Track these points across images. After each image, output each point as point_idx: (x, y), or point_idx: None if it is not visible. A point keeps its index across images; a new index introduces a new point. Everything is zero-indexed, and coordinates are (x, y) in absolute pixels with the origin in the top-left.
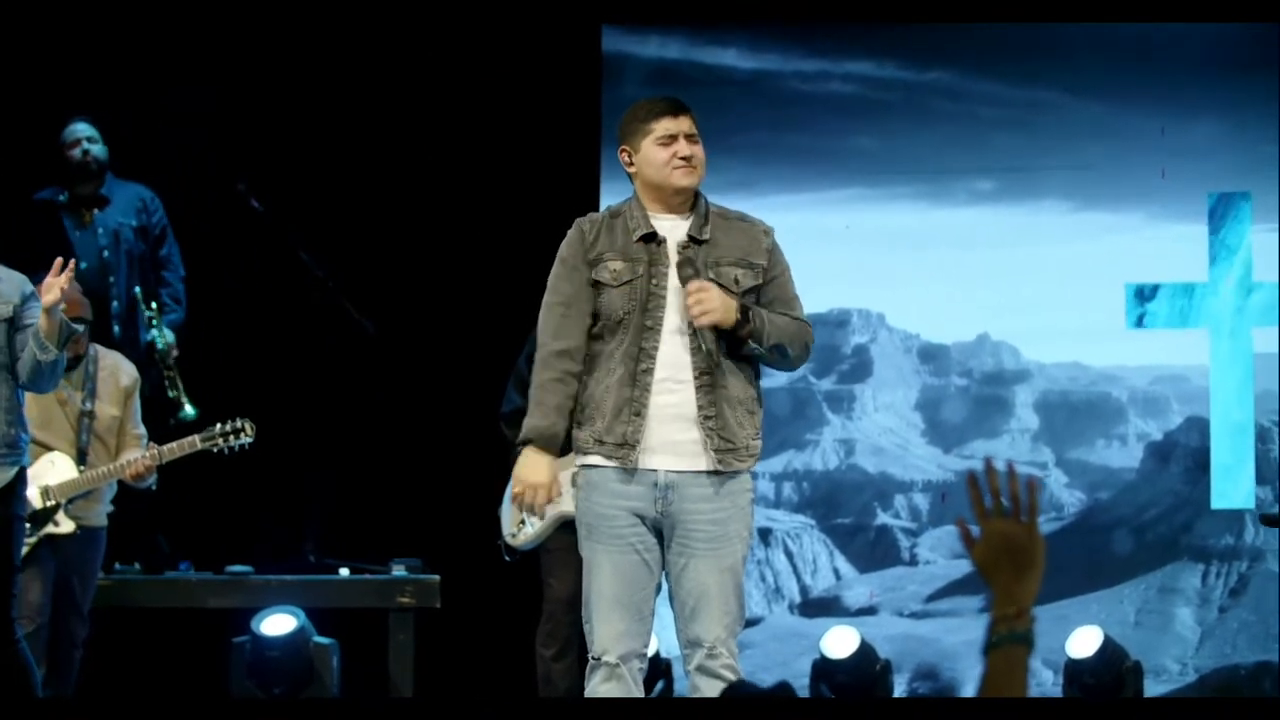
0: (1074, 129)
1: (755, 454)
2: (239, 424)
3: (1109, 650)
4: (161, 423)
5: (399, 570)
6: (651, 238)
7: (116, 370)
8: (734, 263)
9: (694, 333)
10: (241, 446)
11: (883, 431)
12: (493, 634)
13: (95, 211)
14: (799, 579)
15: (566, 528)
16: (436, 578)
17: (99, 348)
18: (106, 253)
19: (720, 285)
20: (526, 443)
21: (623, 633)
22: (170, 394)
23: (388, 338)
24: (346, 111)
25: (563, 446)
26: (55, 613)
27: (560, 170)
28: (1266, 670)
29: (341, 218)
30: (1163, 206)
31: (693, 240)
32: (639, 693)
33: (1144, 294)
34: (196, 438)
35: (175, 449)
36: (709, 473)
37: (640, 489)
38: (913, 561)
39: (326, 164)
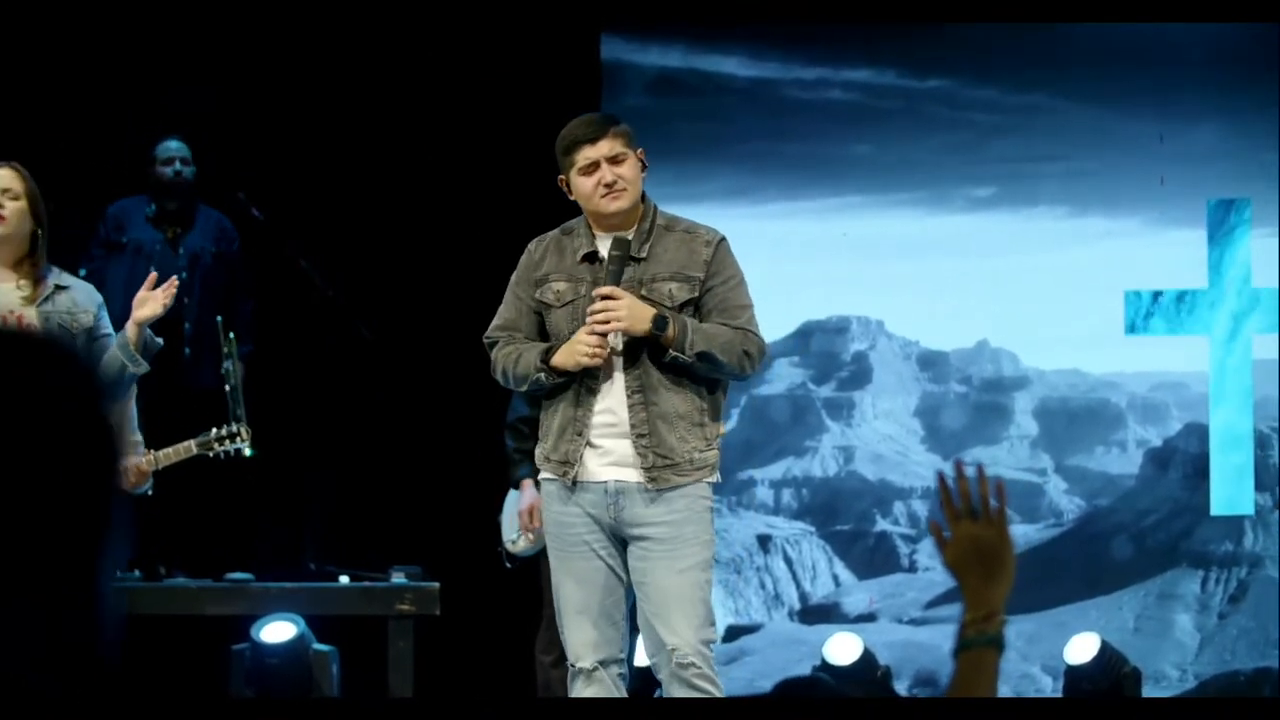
0: (1072, 135)
1: (705, 465)
2: (235, 428)
3: (1107, 656)
4: (158, 428)
5: (399, 577)
6: (593, 256)
7: None
8: (669, 277)
9: (615, 351)
10: (238, 451)
11: (882, 438)
12: (493, 641)
13: (178, 230)
14: (798, 586)
15: None
16: (436, 585)
17: None
18: (184, 274)
19: (652, 301)
20: (550, 351)
21: (595, 640)
22: (232, 427)
23: (387, 344)
24: (346, 119)
25: None
26: None
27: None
28: (1266, 676)
29: (341, 225)
30: (1162, 213)
31: (631, 259)
32: (621, 696)
33: (1143, 301)
34: (192, 443)
35: (171, 454)
36: (653, 490)
37: (592, 496)
38: (912, 568)
39: (326, 171)
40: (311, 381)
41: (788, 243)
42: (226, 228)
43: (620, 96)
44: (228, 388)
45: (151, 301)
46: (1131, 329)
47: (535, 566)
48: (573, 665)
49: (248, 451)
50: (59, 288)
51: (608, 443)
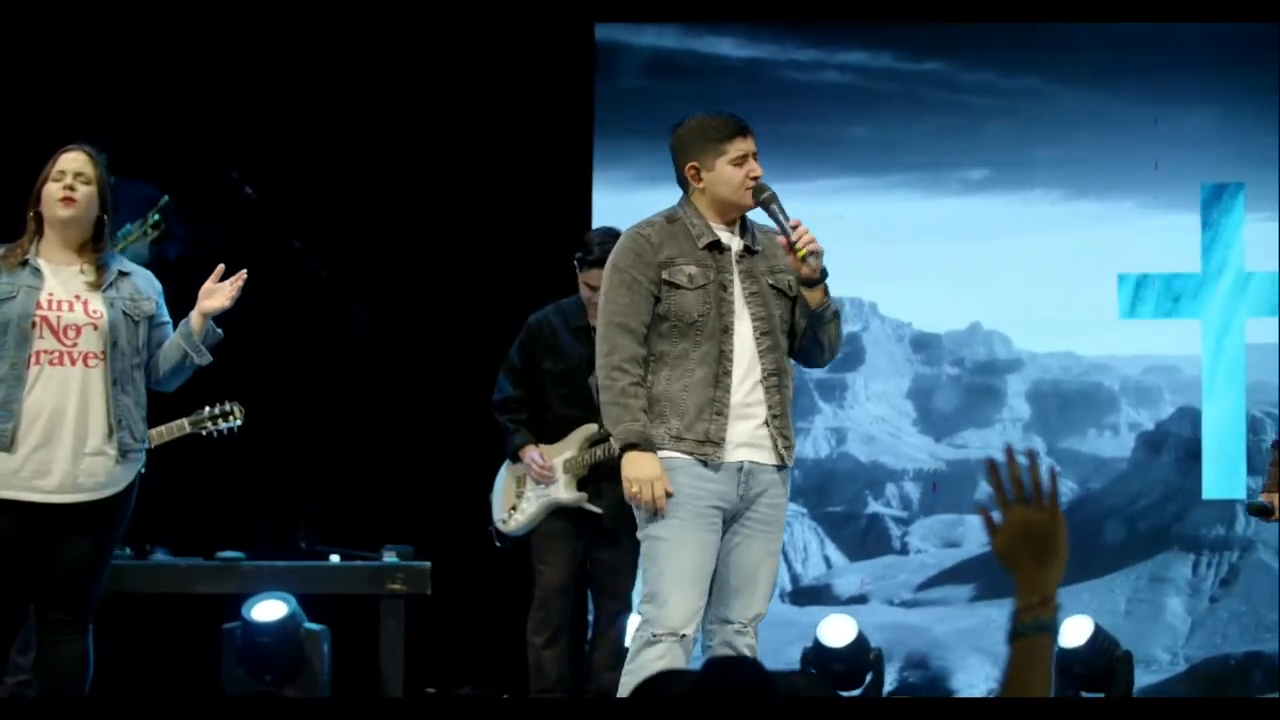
0: (1067, 119)
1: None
2: (228, 407)
3: (1100, 640)
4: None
5: (390, 557)
6: (717, 245)
7: None
8: (785, 270)
9: (767, 331)
10: (230, 430)
11: (874, 420)
12: (484, 621)
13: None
14: (790, 567)
15: (558, 514)
16: (428, 564)
17: None
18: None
19: (779, 290)
20: (630, 447)
21: (697, 610)
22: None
23: (379, 327)
24: (340, 106)
25: (552, 433)
26: None
27: (554, 162)
28: (1257, 660)
29: (334, 209)
30: (1156, 196)
31: (749, 251)
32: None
33: (1136, 284)
34: (185, 421)
35: (163, 432)
36: (775, 466)
37: (725, 476)
38: (904, 550)
39: (320, 157)
40: (303, 363)
41: None
42: (149, 194)
43: (616, 78)
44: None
45: (219, 294)
46: (1125, 312)
47: (526, 547)
48: (660, 632)
49: (238, 420)
50: (122, 274)
51: (742, 424)
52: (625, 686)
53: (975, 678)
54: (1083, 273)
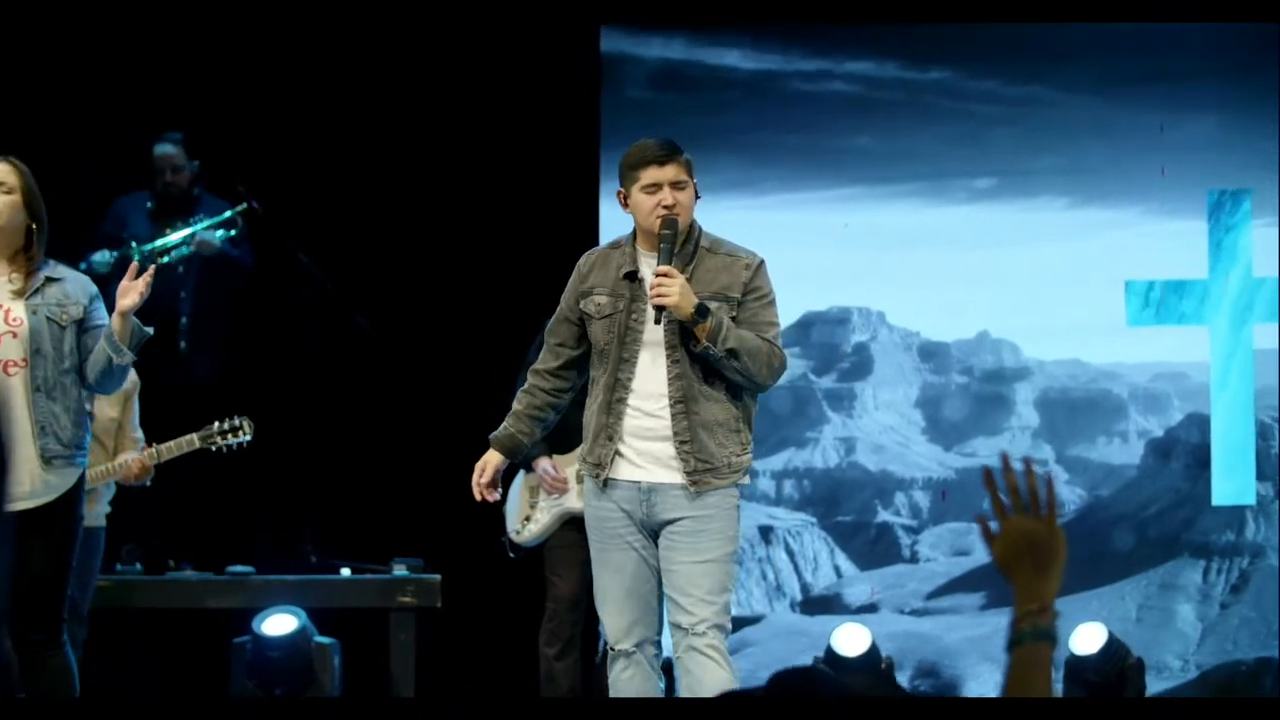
0: (1073, 127)
1: (740, 468)
2: (237, 422)
3: (1113, 647)
4: (161, 420)
5: (400, 570)
6: (634, 275)
7: None
8: (710, 296)
9: (676, 360)
10: (240, 445)
11: (883, 429)
12: (494, 633)
13: (179, 222)
14: (800, 577)
15: (571, 525)
16: (438, 577)
17: None
18: (180, 268)
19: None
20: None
21: (634, 622)
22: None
23: (387, 337)
24: (345, 112)
25: (568, 443)
26: None
27: (560, 173)
28: (1267, 666)
29: (341, 218)
30: (1162, 203)
31: None
32: (657, 678)
33: (1144, 291)
34: (195, 436)
35: (172, 448)
36: (685, 489)
37: (626, 494)
38: (913, 559)
39: (326, 165)
40: (312, 374)
41: (789, 234)
42: (231, 219)
43: (622, 88)
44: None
45: (131, 291)
46: (1132, 319)
47: (538, 559)
48: (612, 648)
49: (248, 435)
50: (50, 280)
51: (642, 445)
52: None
53: (986, 686)
54: (1090, 280)
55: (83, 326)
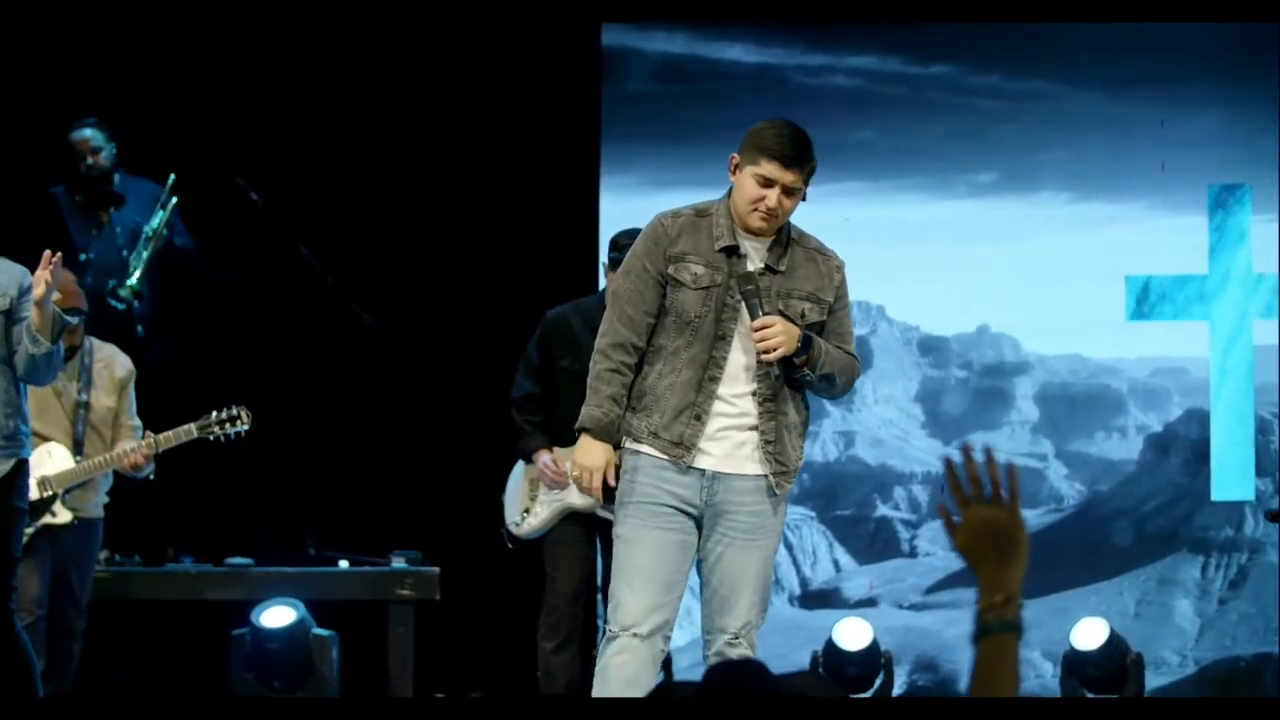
0: (1074, 121)
1: (799, 471)
2: (235, 411)
3: (1114, 643)
4: (159, 412)
5: (399, 562)
6: (734, 250)
7: (112, 362)
8: (805, 297)
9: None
10: (238, 434)
11: (882, 423)
12: (493, 626)
13: (111, 211)
14: (799, 570)
15: (571, 519)
16: (436, 570)
17: (95, 340)
18: (125, 251)
19: (786, 316)
20: (583, 430)
21: (655, 607)
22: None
23: (387, 330)
24: (346, 107)
25: (566, 435)
26: (52, 604)
27: (561, 167)
28: (1266, 662)
29: (341, 212)
30: (1163, 198)
31: (769, 270)
32: (654, 669)
33: (1144, 286)
34: (193, 426)
35: (170, 437)
36: (757, 481)
37: (688, 479)
38: (912, 553)
39: (327, 159)
40: (311, 367)
41: None
42: (161, 197)
43: (624, 82)
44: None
45: (39, 281)
46: (1132, 314)
47: (535, 552)
48: (623, 629)
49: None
50: None
51: (719, 431)
52: (595, 686)
53: None
54: (1090, 275)
55: (11, 318)
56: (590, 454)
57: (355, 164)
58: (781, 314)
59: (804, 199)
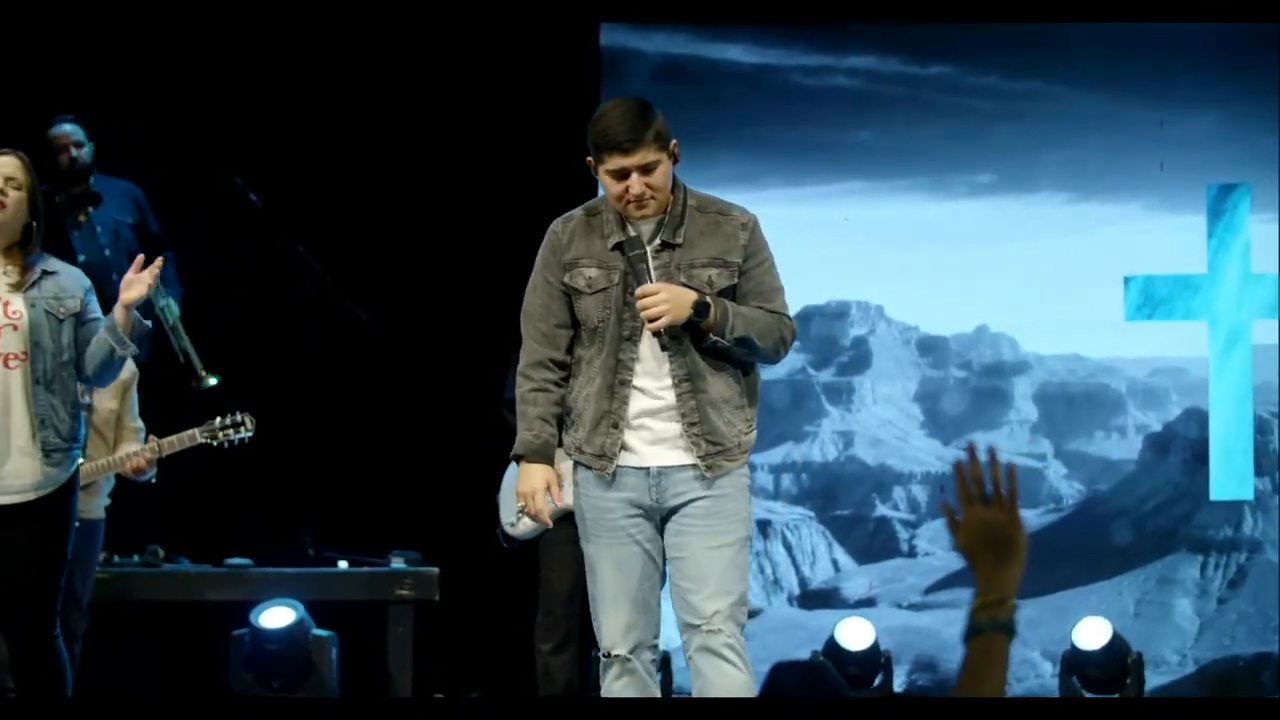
0: (1073, 121)
1: (748, 447)
2: (239, 417)
3: (1117, 643)
4: (164, 412)
5: (398, 563)
6: (624, 244)
7: None
8: (707, 263)
9: (674, 335)
10: (242, 440)
11: (881, 423)
12: (492, 627)
13: (90, 210)
14: (798, 570)
15: (567, 520)
16: (435, 570)
17: None
18: (108, 250)
19: (692, 288)
20: (517, 458)
21: (630, 625)
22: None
23: (385, 330)
24: (344, 107)
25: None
26: None
27: (559, 167)
28: (1265, 662)
29: (339, 212)
30: (1162, 198)
31: (665, 245)
32: (654, 686)
33: (1143, 286)
34: (196, 431)
35: (174, 442)
36: (694, 469)
37: (633, 480)
38: (911, 553)
39: (325, 159)
40: (310, 367)
41: (789, 228)
42: (138, 196)
43: (624, 82)
44: (169, 330)
45: (138, 283)
46: (1131, 314)
47: (534, 553)
48: (606, 654)
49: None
50: (46, 273)
51: (650, 424)
52: None
53: None
54: (1089, 275)
55: (79, 320)
56: (528, 479)
57: (353, 163)
58: (686, 286)
59: (675, 159)
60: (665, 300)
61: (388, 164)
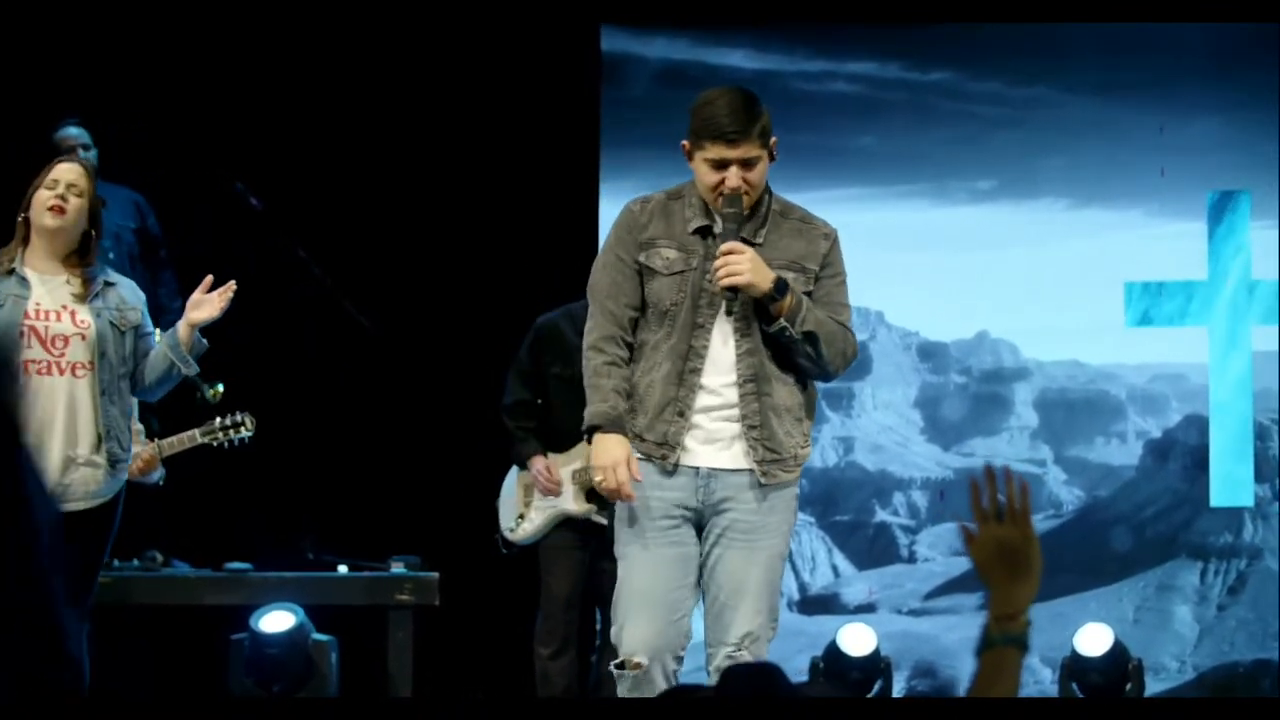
0: (1073, 127)
1: (803, 461)
2: (239, 418)
3: (1118, 650)
4: (164, 413)
5: (398, 567)
6: (706, 231)
7: None
8: (786, 265)
9: (729, 312)
10: (242, 440)
11: (882, 429)
12: (491, 632)
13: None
14: (798, 576)
15: (565, 525)
16: (435, 575)
17: None
18: (111, 254)
19: None
20: (593, 429)
21: (656, 633)
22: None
23: (386, 334)
24: (345, 110)
25: (559, 441)
26: None
27: (561, 172)
28: (1265, 668)
29: (340, 216)
30: (1162, 204)
31: (745, 243)
32: (670, 685)
33: (1143, 292)
34: (196, 431)
35: (174, 443)
36: (749, 475)
37: (682, 480)
38: (911, 559)
39: (326, 162)
40: (310, 371)
41: None
42: (140, 203)
43: (624, 87)
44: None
45: (208, 304)
46: (1131, 320)
47: (533, 558)
48: (622, 664)
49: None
50: (108, 284)
51: (705, 422)
52: None
53: None
54: (1089, 281)
55: (139, 332)
56: (606, 451)
57: (354, 166)
58: None
59: (773, 157)
60: (748, 263)
61: (389, 167)
